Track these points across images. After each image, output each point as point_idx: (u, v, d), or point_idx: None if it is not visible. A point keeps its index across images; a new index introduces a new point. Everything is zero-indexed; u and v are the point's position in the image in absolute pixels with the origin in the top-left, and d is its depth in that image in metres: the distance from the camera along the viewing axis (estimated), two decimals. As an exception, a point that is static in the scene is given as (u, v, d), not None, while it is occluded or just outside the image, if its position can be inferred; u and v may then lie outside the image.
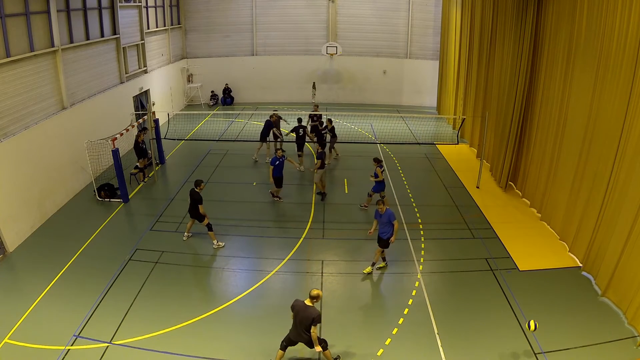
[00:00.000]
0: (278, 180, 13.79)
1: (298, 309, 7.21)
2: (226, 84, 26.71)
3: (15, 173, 11.67)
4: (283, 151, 13.89)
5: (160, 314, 9.10)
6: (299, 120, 16.51)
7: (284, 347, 7.57)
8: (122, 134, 14.67)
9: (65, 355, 8.01)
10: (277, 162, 13.52)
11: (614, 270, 9.25)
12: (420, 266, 10.87)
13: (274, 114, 17.18)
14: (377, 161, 13.30)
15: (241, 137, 20.15)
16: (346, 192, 15.10)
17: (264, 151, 17.62)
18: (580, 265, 10.66)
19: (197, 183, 11.47)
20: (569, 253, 11.20)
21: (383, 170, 13.35)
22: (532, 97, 13.58)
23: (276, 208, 13.87)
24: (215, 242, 11.58)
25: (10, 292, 9.76)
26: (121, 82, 18.27)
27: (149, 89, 21.11)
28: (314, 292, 7.17)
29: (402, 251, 11.53)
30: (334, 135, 17.00)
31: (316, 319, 7.07)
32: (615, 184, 9.42)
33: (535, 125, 13.39)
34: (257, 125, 22.34)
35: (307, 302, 7.20)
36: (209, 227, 11.48)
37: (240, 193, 14.81)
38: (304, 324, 7.16)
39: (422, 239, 12.06)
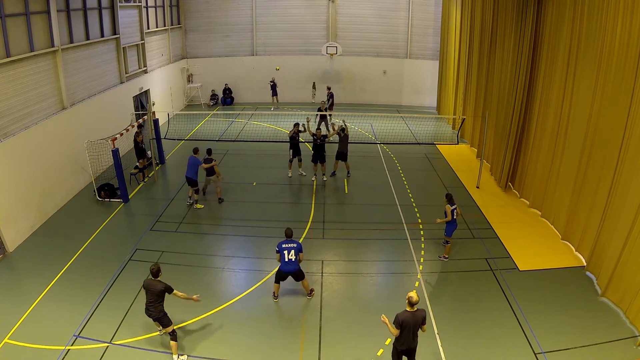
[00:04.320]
0: None
1: (409, 320, 7.09)
2: (226, 84, 26.71)
3: (16, 173, 11.66)
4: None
5: (160, 314, 9.10)
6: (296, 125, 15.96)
7: None
8: (122, 134, 14.66)
9: (65, 355, 8.01)
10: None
11: (613, 269, 9.25)
12: (420, 266, 10.87)
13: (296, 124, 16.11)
14: None
15: (241, 137, 20.15)
16: (346, 192, 15.10)
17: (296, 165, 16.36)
18: (583, 265, 10.66)
19: (209, 152, 13.83)
20: (576, 252, 11.18)
21: None
22: (532, 97, 13.57)
23: (276, 208, 13.86)
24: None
25: (10, 292, 9.77)
26: (121, 82, 18.26)
27: (149, 89, 21.11)
28: (415, 298, 7.05)
29: (402, 251, 11.53)
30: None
31: (425, 317, 7.21)
32: (617, 183, 9.41)
33: (535, 126, 13.39)
34: (256, 125, 22.39)
35: (409, 308, 7.12)
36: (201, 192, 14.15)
37: (241, 193, 14.80)
38: (417, 328, 7.21)
39: (422, 239, 12.06)
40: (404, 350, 7.37)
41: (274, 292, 9.71)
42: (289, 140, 15.56)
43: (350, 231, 12.50)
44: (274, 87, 25.27)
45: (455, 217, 10.85)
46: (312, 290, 9.82)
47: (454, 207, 10.81)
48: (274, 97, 25.47)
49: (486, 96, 17.10)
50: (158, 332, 8.60)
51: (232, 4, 25.98)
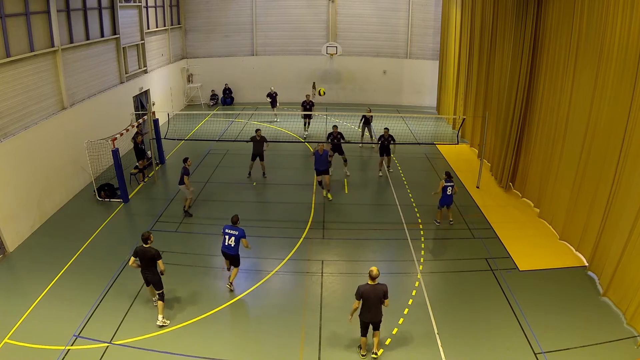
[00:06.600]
0: None
1: (369, 292, 7.51)
2: (226, 84, 26.71)
3: (16, 173, 11.66)
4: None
5: (160, 314, 9.11)
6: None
7: (365, 334, 7.95)
8: (122, 134, 14.66)
9: (65, 355, 8.01)
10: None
11: (615, 269, 9.25)
12: (420, 266, 10.87)
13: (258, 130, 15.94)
14: None
15: (241, 137, 20.14)
16: (346, 192, 15.11)
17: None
18: (585, 265, 10.65)
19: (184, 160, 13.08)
20: (576, 252, 11.17)
21: None
22: (532, 97, 13.58)
23: (276, 208, 13.87)
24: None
25: (10, 292, 9.76)
26: (121, 82, 18.26)
27: (149, 89, 21.10)
28: (375, 272, 7.54)
29: (402, 251, 11.53)
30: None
31: (387, 291, 7.62)
32: (619, 182, 9.41)
33: (536, 125, 13.39)
34: (256, 125, 22.35)
35: (370, 282, 7.55)
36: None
37: (240, 193, 14.81)
38: (378, 301, 7.60)
39: (422, 239, 12.06)
40: (366, 322, 7.82)
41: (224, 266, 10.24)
42: (329, 140, 15.89)
43: (350, 231, 12.50)
44: (273, 97, 23.26)
45: (449, 194, 12.08)
46: (231, 284, 9.90)
47: (448, 184, 12.04)
48: (274, 107, 23.62)
49: (486, 96, 17.10)
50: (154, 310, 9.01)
51: (232, 4, 25.99)
